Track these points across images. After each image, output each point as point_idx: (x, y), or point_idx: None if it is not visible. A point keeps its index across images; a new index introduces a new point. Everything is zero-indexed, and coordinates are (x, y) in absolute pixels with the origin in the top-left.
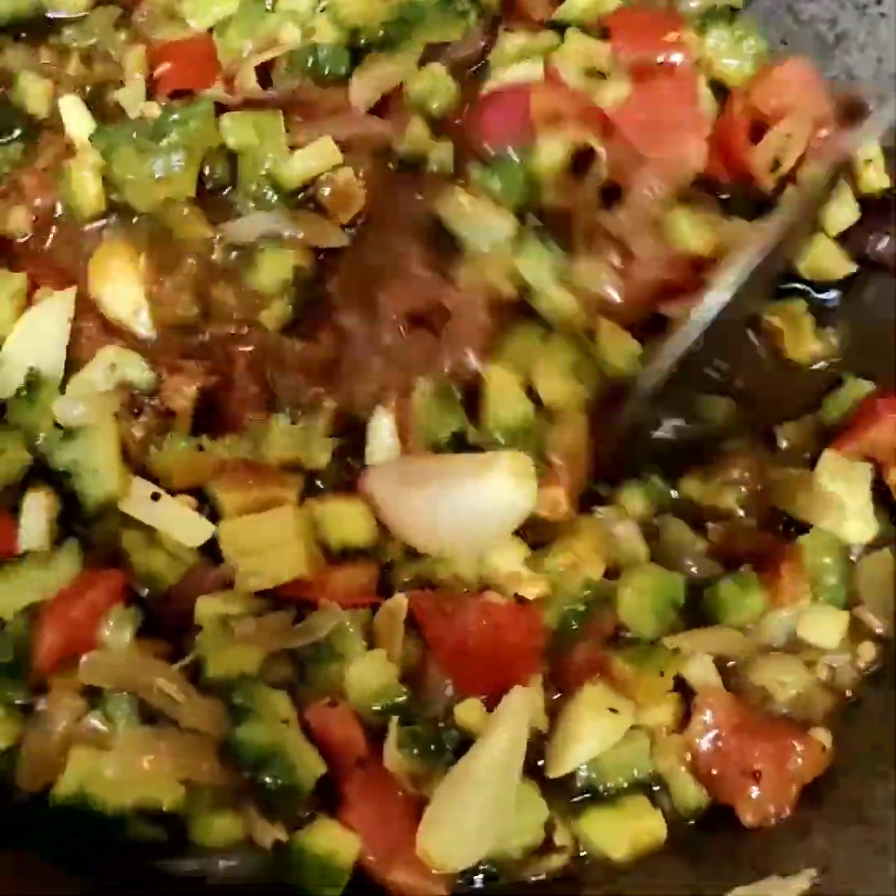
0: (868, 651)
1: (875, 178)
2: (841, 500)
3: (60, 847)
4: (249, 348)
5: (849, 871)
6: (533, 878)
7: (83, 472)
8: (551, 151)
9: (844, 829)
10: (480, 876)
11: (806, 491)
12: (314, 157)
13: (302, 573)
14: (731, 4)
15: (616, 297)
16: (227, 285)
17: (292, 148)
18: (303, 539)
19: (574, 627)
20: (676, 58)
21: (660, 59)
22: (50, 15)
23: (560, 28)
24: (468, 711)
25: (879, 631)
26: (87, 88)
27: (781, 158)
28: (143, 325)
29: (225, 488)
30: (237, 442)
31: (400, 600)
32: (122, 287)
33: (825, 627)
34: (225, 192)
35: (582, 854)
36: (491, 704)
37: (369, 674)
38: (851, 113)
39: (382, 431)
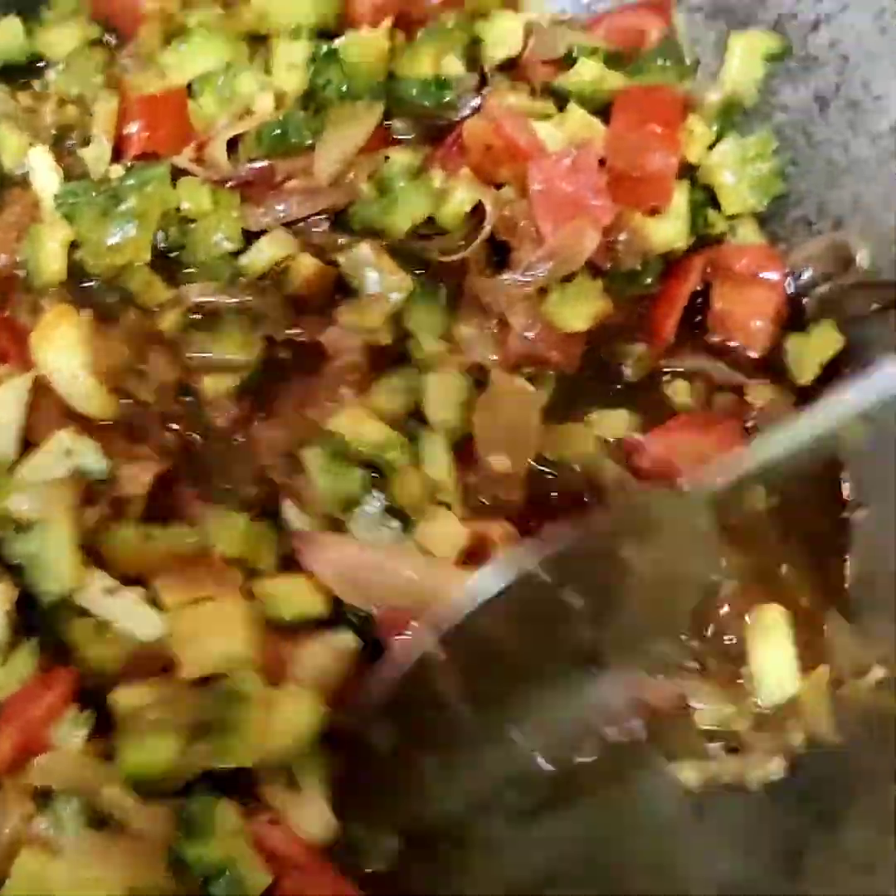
0: None
1: None
2: None
3: None
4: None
5: None
6: None
7: (39, 566)
8: (462, 199)
9: None
10: None
11: None
12: (272, 248)
13: (247, 657)
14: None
15: (489, 361)
16: (166, 351)
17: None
18: (246, 623)
19: None
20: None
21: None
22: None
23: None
24: None
25: None
26: (55, 133)
27: None
28: (81, 386)
29: (167, 584)
30: (183, 533)
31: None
32: (64, 348)
33: None
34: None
35: None
36: None
37: None
38: (840, 263)
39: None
